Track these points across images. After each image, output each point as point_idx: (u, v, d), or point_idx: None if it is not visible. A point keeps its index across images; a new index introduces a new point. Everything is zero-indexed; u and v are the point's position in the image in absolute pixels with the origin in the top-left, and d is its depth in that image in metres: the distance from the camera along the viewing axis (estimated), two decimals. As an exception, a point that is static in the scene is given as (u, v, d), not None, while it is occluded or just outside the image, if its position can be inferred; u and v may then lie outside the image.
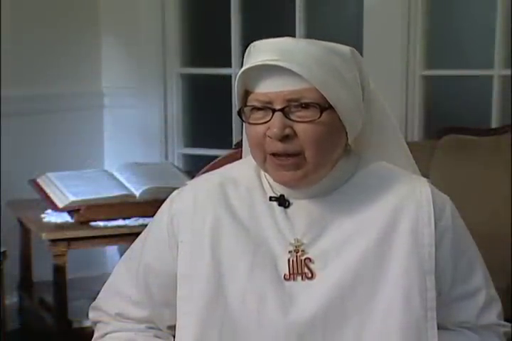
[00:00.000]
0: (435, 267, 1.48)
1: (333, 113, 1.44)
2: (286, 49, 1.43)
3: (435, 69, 3.56)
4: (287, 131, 1.43)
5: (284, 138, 1.43)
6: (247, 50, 1.50)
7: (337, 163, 1.51)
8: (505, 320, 1.61)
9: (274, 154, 1.45)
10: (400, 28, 3.47)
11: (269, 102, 1.44)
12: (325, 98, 1.43)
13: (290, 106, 1.43)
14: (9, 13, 3.65)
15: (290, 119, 1.43)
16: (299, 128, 1.43)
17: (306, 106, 1.43)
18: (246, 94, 1.48)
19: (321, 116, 1.42)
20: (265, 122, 1.44)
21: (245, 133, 1.53)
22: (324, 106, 1.43)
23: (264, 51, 1.45)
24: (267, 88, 1.43)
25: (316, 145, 1.44)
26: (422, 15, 3.48)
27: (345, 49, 1.50)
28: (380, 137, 1.60)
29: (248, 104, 1.47)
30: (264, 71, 1.43)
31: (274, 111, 1.43)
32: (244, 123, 1.52)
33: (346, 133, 1.49)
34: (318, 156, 1.45)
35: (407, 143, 1.67)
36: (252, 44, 1.50)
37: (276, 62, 1.41)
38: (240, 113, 1.49)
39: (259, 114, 1.45)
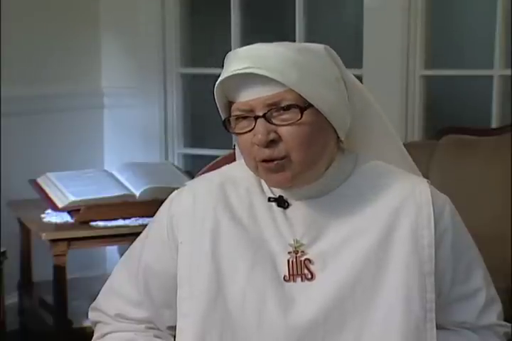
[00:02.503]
0: (435, 268, 1.48)
1: (316, 111, 1.44)
2: (257, 55, 1.44)
3: (435, 69, 3.56)
4: (271, 136, 1.43)
5: (270, 144, 1.43)
6: (225, 58, 1.50)
7: (332, 161, 1.52)
8: (505, 320, 1.61)
9: (263, 161, 1.45)
10: (400, 28, 3.47)
11: (251, 110, 1.44)
12: (304, 98, 1.43)
13: (271, 110, 1.43)
14: (9, 12, 3.65)
15: (273, 124, 1.43)
16: (283, 131, 1.44)
17: (287, 108, 1.43)
18: (230, 104, 1.49)
19: (301, 116, 1.43)
20: (250, 130, 1.45)
21: (236, 143, 1.54)
22: (304, 106, 1.43)
23: (235, 60, 1.45)
24: (247, 96, 1.44)
25: (301, 147, 1.44)
26: (422, 15, 3.48)
27: (318, 47, 1.50)
28: (365, 126, 1.59)
29: (232, 114, 1.47)
30: (239, 80, 1.44)
31: (256, 118, 1.44)
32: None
33: (335, 129, 1.49)
34: (305, 157, 1.45)
35: (408, 143, 1.67)
36: (227, 54, 1.50)
37: (247, 69, 1.42)
38: (225, 124, 1.49)
39: (244, 123, 1.46)
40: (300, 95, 1.43)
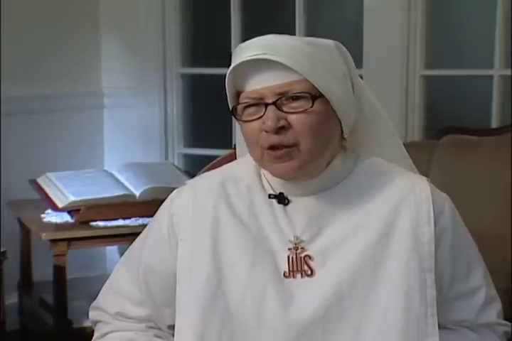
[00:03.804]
0: (434, 266, 1.48)
1: (325, 102, 1.45)
2: (270, 44, 1.45)
3: (435, 69, 3.56)
4: (281, 122, 1.44)
5: (279, 130, 1.44)
6: (233, 53, 1.51)
7: (333, 158, 1.52)
8: (505, 320, 1.61)
9: (270, 148, 1.45)
10: (400, 28, 3.47)
11: (261, 98, 1.45)
12: (315, 88, 1.43)
13: (282, 98, 1.44)
14: (9, 12, 3.65)
15: (283, 111, 1.44)
16: (293, 118, 1.44)
17: (297, 97, 1.44)
18: (238, 93, 1.49)
19: (313, 104, 1.43)
20: (259, 117, 1.45)
21: (241, 133, 1.54)
22: (315, 95, 1.43)
23: (248, 49, 1.46)
24: (257, 84, 1.45)
25: (311, 135, 1.44)
26: (422, 15, 3.48)
27: (328, 42, 1.51)
28: (367, 126, 1.60)
29: (241, 102, 1.48)
30: (251, 68, 1.44)
31: (266, 105, 1.44)
32: (239, 123, 1.52)
33: (341, 124, 1.50)
34: (313, 146, 1.45)
35: (408, 143, 1.68)
36: (234, 49, 1.50)
37: (262, 55, 1.43)
38: (233, 112, 1.49)
39: (252, 111, 1.47)
40: (310, 85, 1.43)
